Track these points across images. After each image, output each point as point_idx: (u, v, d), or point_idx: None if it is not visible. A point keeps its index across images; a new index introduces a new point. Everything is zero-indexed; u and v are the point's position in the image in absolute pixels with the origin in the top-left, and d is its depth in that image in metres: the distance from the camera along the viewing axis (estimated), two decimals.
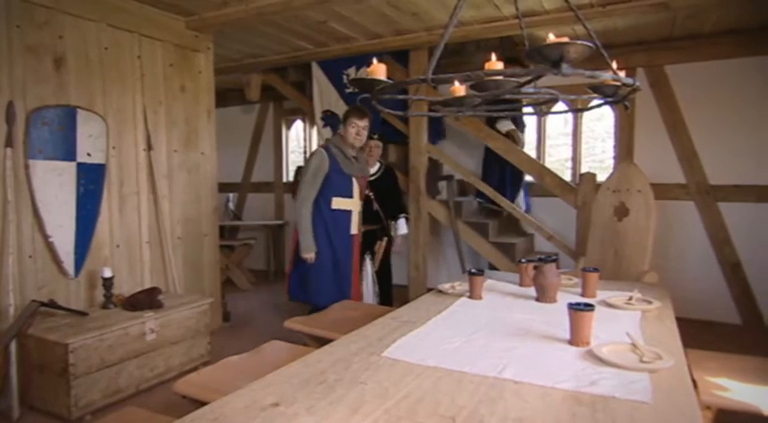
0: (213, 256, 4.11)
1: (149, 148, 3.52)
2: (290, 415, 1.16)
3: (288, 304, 4.83)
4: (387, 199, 3.82)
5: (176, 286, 3.66)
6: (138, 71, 3.43)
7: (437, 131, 4.97)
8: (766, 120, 3.96)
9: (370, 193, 3.67)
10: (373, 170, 3.77)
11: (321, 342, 2.06)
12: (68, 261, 2.99)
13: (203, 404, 1.27)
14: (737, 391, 1.77)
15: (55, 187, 2.92)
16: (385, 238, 3.83)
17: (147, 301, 3.02)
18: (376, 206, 3.75)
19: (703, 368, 1.95)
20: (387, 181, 3.88)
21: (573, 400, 1.23)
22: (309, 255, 2.98)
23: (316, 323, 2.45)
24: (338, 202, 3.05)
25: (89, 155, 3.08)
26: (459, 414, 1.15)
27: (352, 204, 3.12)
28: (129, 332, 2.75)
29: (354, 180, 3.14)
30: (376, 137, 3.72)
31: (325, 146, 3.08)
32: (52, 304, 2.79)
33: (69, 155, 2.99)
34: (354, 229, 3.21)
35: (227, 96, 6.13)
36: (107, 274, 3.00)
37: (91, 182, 3.10)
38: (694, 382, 1.82)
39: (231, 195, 6.48)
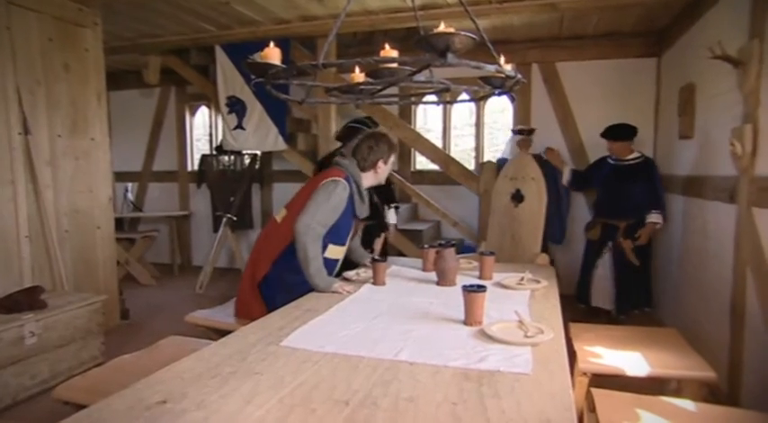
0: (108, 249, 3.82)
1: (26, 131, 3.16)
2: (178, 412, 1.11)
3: (195, 298, 4.63)
4: (381, 189, 3.33)
5: (64, 284, 3.36)
6: (8, 45, 3.05)
7: None
8: (641, 116, 4.40)
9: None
10: None
11: (225, 335, 2.00)
12: None
13: None
14: (608, 357, 1.98)
15: None
16: (383, 234, 3.59)
17: (26, 301, 2.75)
18: (376, 198, 3.37)
19: (582, 339, 2.16)
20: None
21: (462, 376, 1.30)
22: (334, 286, 2.18)
23: (218, 316, 2.37)
24: (332, 251, 2.35)
25: None
26: (353, 398, 1.17)
27: (340, 252, 2.45)
28: (2, 337, 2.48)
29: (354, 222, 2.50)
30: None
31: (347, 177, 2.30)
32: None
33: None
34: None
35: (123, 78, 5.68)
36: None
37: None
38: (574, 352, 2.01)
39: (130, 185, 6.04)
